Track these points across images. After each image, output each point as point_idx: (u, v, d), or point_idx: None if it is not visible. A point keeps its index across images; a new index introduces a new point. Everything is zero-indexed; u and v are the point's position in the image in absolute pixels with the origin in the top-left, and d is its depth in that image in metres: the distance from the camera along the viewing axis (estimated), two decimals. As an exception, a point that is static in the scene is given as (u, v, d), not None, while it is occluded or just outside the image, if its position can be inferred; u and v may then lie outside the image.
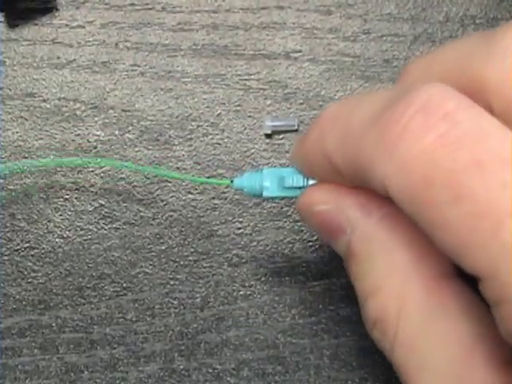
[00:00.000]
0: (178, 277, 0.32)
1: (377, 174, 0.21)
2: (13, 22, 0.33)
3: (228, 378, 0.31)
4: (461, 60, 0.22)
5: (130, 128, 0.33)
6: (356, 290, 0.23)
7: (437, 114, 0.19)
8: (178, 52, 0.33)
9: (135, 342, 0.31)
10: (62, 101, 0.33)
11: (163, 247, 0.32)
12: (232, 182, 0.27)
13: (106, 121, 0.33)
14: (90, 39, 0.33)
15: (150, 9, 0.34)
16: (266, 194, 0.27)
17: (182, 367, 0.31)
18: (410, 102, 0.20)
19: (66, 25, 0.34)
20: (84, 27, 0.34)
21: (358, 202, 0.23)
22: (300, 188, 0.26)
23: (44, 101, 0.33)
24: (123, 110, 0.33)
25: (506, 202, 0.18)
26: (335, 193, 0.24)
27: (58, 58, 0.33)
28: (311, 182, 0.25)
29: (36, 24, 0.33)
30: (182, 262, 0.32)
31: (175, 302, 0.31)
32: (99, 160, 0.30)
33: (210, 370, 0.31)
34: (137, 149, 0.32)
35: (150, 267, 0.32)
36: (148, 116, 0.33)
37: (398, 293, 0.22)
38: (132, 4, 0.34)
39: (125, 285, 0.32)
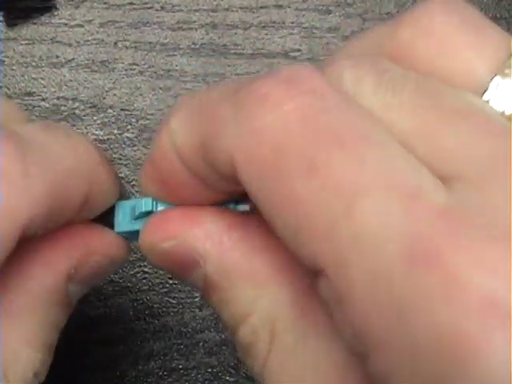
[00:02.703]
0: (177, 276, 0.32)
1: (223, 146, 0.18)
2: (12, 21, 0.33)
3: (227, 377, 0.31)
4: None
5: (129, 127, 0.33)
6: (223, 320, 0.21)
7: (301, 87, 0.17)
8: (177, 51, 0.33)
9: (134, 341, 0.31)
10: (60, 100, 0.33)
11: (162, 246, 0.32)
12: None
13: (105, 120, 0.33)
14: (89, 38, 0.33)
15: (149, 8, 0.34)
16: (117, 229, 0.22)
17: (180, 366, 0.31)
18: (275, 74, 0.18)
19: (65, 24, 0.34)
20: (83, 26, 0.34)
21: (206, 232, 0.20)
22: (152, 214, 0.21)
23: (43, 100, 0.33)
24: (122, 109, 0.33)
25: (363, 179, 0.16)
26: (180, 222, 0.21)
27: (57, 57, 0.33)
28: (161, 207, 0.21)
29: (35, 23, 0.33)
30: (180, 261, 0.32)
31: (174, 302, 0.31)
32: None
33: (209, 369, 0.31)
34: (135, 148, 0.32)
35: (149, 266, 0.32)
36: (147, 115, 0.33)
37: (269, 315, 0.19)
38: (131, 3, 0.34)
39: (124, 284, 0.31)
